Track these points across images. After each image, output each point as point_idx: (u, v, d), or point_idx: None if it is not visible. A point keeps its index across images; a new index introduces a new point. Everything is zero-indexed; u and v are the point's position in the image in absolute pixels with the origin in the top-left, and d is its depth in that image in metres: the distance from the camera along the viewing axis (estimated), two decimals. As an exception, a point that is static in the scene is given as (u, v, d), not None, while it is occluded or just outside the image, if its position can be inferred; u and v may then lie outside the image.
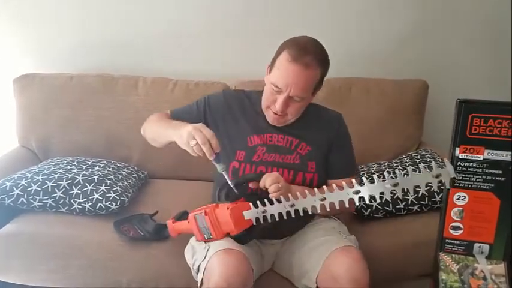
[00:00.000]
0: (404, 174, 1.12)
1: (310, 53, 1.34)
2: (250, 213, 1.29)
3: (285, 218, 1.26)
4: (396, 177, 1.10)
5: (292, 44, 1.36)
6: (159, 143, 1.49)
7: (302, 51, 1.34)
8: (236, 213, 1.28)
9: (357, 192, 1.15)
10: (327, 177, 1.50)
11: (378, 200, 1.15)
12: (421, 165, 1.12)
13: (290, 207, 1.23)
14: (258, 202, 1.27)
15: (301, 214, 1.25)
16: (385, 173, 1.12)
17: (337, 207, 1.20)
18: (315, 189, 1.21)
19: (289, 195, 1.24)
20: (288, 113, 1.41)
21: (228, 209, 1.28)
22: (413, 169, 1.11)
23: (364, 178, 1.14)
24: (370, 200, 1.16)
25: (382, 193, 1.14)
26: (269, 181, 1.31)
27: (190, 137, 1.23)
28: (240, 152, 1.45)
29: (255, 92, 1.56)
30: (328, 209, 1.22)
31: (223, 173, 1.31)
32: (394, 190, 1.12)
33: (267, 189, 1.32)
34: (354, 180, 1.16)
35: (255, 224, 1.30)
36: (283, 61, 1.35)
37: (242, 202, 1.30)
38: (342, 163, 1.51)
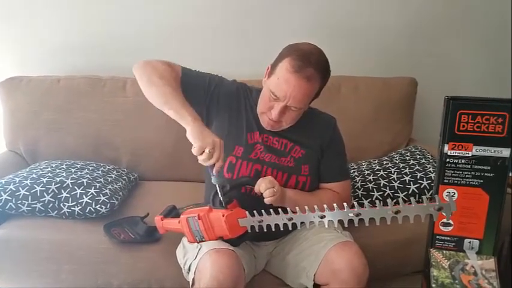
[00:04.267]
0: (407, 202, 1.12)
1: (312, 65, 1.30)
2: (246, 221, 1.27)
3: (282, 229, 1.25)
4: (399, 204, 1.11)
5: (295, 53, 1.31)
6: (156, 102, 1.35)
7: (305, 62, 1.29)
8: (231, 220, 1.27)
9: (358, 214, 1.14)
10: (320, 181, 1.50)
11: (378, 223, 1.15)
12: (424, 197, 1.12)
13: (288, 220, 1.22)
14: (254, 211, 1.25)
15: (299, 227, 1.24)
16: (388, 200, 1.12)
17: (335, 225, 1.21)
18: (315, 206, 1.20)
19: (289, 209, 1.23)
20: (283, 120, 1.39)
21: (223, 215, 1.26)
22: (416, 200, 1.12)
23: (366, 202, 1.14)
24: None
25: (383, 218, 1.14)
26: (264, 186, 1.30)
27: (209, 146, 1.21)
28: (239, 148, 1.43)
29: (256, 90, 1.52)
30: (326, 226, 1.22)
31: (216, 185, 1.28)
32: (396, 216, 1.12)
33: (261, 193, 1.31)
34: (355, 203, 1.16)
35: (249, 231, 1.29)
36: (284, 70, 1.31)
37: (237, 209, 1.29)
38: (335, 167, 1.51)
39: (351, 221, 1.18)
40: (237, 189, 1.36)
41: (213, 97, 1.46)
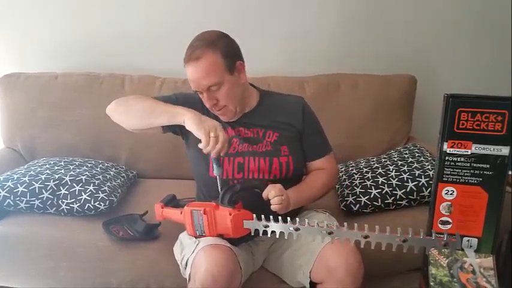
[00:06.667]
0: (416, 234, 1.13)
1: (196, 47, 1.36)
2: (251, 224, 1.27)
3: (286, 238, 1.25)
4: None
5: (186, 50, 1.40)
6: (144, 123, 1.41)
7: (189, 50, 1.37)
8: (237, 220, 1.27)
9: (366, 236, 1.15)
10: (305, 160, 1.52)
11: (383, 249, 1.16)
12: (433, 232, 1.14)
13: (294, 230, 1.22)
14: (262, 216, 1.25)
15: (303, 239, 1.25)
16: (398, 228, 1.13)
17: (341, 244, 1.23)
18: (325, 222, 1.21)
19: (297, 219, 1.22)
20: (222, 104, 1.41)
21: (230, 214, 1.27)
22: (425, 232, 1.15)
23: (377, 227, 1.14)
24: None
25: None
26: (273, 193, 1.30)
27: (213, 129, 1.25)
28: None
29: None
30: (331, 243, 1.25)
31: (217, 176, 1.32)
32: (402, 245, 1.13)
33: (269, 199, 1.31)
34: (366, 226, 1.16)
35: (253, 234, 1.29)
36: (185, 68, 1.39)
37: (244, 210, 1.29)
38: (316, 145, 1.53)
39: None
40: (246, 191, 1.35)
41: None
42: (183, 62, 1.39)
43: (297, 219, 1.22)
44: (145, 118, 1.39)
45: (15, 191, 1.63)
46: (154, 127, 1.42)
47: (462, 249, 1.27)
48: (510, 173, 1.24)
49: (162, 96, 1.52)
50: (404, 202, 1.71)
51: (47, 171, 1.74)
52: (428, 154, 1.89)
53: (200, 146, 1.26)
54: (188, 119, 1.27)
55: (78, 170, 1.78)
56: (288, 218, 1.23)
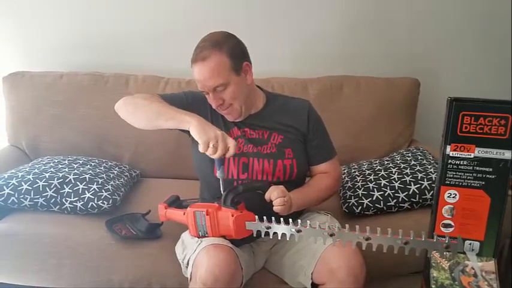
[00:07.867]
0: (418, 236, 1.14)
1: (202, 47, 1.37)
2: (253, 225, 1.28)
3: (288, 239, 1.26)
4: (409, 236, 1.13)
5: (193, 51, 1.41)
6: (151, 125, 1.40)
7: (197, 50, 1.38)
8: (239, 221, 1.28)
9: (368, 238, 1.15)
10: (309, 164, 1.53)
11: (385, 251, 1.16)
12: (435, 234, 1.15)
13: (296, 232, 1.23)
14: (264, 217, 1.25)
15: (305, 240, 1.26)
16: (400, 230, 1.13)
17: (343, 246, 1.23)
18: (326, 223, 1.23)
19: (299, 221, 1.23)
20: (228, 103, 1.42)
21: (232, 215, 1.27)
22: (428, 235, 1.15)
23: (378, 229, 1.14)
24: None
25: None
26: (275, 194, 1.30)
27: (213, 140, 1.24)
28: None
29: None
30: (332, 242, 1.25)
31: (220, 179, 1.32)
32: (404, 247, 1.14)
33: (271, 201, 1.32)
34: (368, 228, 1.16)
35: (255, 236, 1.29)
36: (192, 68, 1.40)
37: (247, 212, 1.29)
38: (321, 148, 1.54)
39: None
40: (249, 192, 1.36)
41: (193, 108, 1.46)
42: (190, 62, 1.39)
43: (299, 220, 1.23)
44: (152, 120, 1.39)
45: (19, 188, 1.63)
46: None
47: (464, 253, 1.27)
48: (513, 176, 1.24)
49: (171, 94, 1.54)
50: (406, 205, 1.71)
51: (51, 169, 1.75)
52: (431, 157, 1.89)
53: (200, 149, 1.26)
54: (192, 127, 1.27)
55: (82, 169, 1.79)
56: (290, 220, 1.24)
